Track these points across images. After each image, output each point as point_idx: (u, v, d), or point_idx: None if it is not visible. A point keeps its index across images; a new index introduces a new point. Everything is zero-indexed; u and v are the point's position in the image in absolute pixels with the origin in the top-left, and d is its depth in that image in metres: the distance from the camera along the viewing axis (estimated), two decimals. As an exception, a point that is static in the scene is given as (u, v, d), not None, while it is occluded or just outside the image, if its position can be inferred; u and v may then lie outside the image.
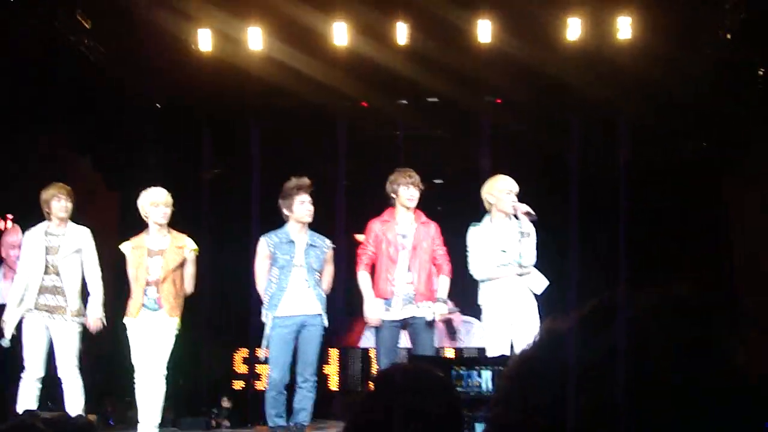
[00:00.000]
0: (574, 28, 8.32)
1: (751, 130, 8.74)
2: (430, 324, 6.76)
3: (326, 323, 6.69)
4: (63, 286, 6.78)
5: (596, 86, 8.53)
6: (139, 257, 6.83)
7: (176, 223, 7.02)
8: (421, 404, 1.98)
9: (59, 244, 6.83)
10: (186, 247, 6.91)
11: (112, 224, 9.08)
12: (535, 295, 6.59)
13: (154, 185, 6.96)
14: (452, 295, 9.73)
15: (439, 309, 6.68)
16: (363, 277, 6.75)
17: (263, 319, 6.67)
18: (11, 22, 7.70)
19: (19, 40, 7.89)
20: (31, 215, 7.18)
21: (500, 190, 6.66)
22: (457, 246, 6.83)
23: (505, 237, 6.62)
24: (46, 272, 6.79)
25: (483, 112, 9.57)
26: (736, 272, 9.28)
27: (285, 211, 6.70)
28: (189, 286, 6.95)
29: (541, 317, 6.55)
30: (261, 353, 6.81)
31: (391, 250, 6.69)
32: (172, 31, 8.40)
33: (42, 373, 6.74)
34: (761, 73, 8.31)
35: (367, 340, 9.96)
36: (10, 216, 9.21)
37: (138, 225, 6.99)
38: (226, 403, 9.58)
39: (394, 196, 6.76)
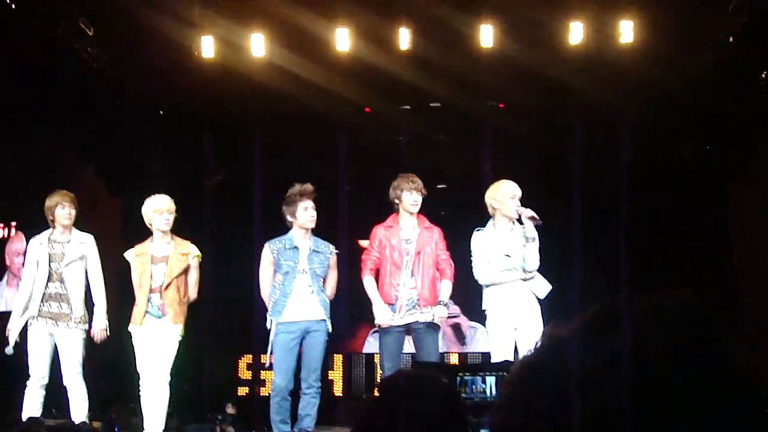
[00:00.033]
0: (576, 32, 8.32)
1: (752, 132, 8.74)
2: (435, 329, 6.76)
3: (330, 329, 6.69)
4: (67, 293, 6.79)
5: (599, 89, 8.54)
6: (142, 264, 6.83)
7: (180, 229, 7.03)
8: (425, 410, 1.98)
9: (63, 251, 6.85)
10: (190, 253, 6.92)
11: (115, 231, 9.10)
12: (539, 299, 6.59)
13: (158, 192, 6.96)
14: (456, 301, 9.77)
15: (439, 312, 6.68)
16: (369, 282, 6.75)
17: (268, 325, 6.67)
18: (14, 29, 7.73)
19: (22, 47, 7.92)
20: (34, 222, 7.19)
21: (504, 195, 6.67)
22: (461, 251, 6.84)
23: (509, 242, 6.63)
24: (50, 280, 6.80)
25: (486, 116, 9.58)
26: (737, 273, 9.27)
27: (288, 218, 6.70)
28: (193, 293, 6.96)
29: (544, 322, 6.54)
30: (266, 359, 6.81)
31: (395, 255, 6.70)
32: (175, 37, 8.41)
33: (46, 380, 6.75)
34: (764, 75, 8.31)
35: (371, 346, 9.95)
36: (13, 223, 9.23)
37: (141, 231, 6.99)
38: (230, 410, 9.57)
39: (397, 201, 6.77)
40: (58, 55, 8.20)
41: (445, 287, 6.77)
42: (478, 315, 8.94)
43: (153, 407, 6.78)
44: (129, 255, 6.92)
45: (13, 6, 7.49)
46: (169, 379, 6.80)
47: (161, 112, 9.84)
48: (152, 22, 8.05)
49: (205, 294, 7.34)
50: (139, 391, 6.85)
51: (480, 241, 6.69)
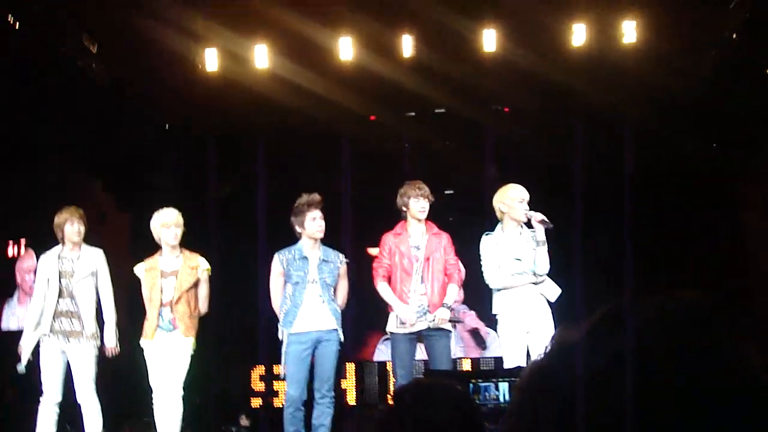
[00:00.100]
0: (579, 34, 8.32)
1: (757, 131, 8.71)
2: (446, 335, 6.75)
3: (342, 338, 6.69)
4: (78, 309, 6.81)
5: (602, 91, 8.52)
6: (152, 279, 6.84)
7: (187, 242, 7.04)
8: (437, 418, 1.98)
9: (73, 267, 6.86)
10: (199, 266, 6.92)
11: (124, 245, 9.11)
12: (549, 302, 6.59)
13: (166, 206, 6.98)
14: (471, 306, 9.76)
15: (440, 314, 6.65)
16: (384, 288, 6.74)
17: (280, 336, 6.67)
18: (18, 48, 7.76)
19: (26, 65, 7.95)
20: (44, 240, 7.21)
21: (512, 199, 6.67)
22: (471, 256, 6.83)
23: (519, 245, 6.62)
24: (60, 296, 6.81)
25: (491, 120, 9.58)
26: (745, 273, 9.24)
27: (297, 228, 6.71)
28: (203, 306, 6.96)
29: (555, 325, 6.53)
30: (280, 370, 6.80)
31: (405, 262, 6.70)
32: (179, 51, 8.44)
33: (60, 397, 6.76)
34: (768, 72, 8.29)
35: (381, 354, 9.93)
36: (23, 241, 9.25)
37: (150, 246, 7.00)
38: (244, 421, 9.57)
39: (405, 208, 6.77)
40: (62, 73, 8.23)
41: (451, 291, 6.76)
42: (488, 320, 8.94)
43: (166, 421, 6.79)
44: (138, 270, 6.93)
45: (17, 26, 7.53)
46: (182, 392, 6.80)
47: (167, 126, 9.87)
48: (155, 36, 8.08)
49: (217, 306, 7.34)
50: (152, 405, 6.85)
51: (489, 245, 6.69)
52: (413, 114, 9.83)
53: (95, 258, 6.92)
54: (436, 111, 9.65)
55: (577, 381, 1.03)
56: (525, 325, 6.49)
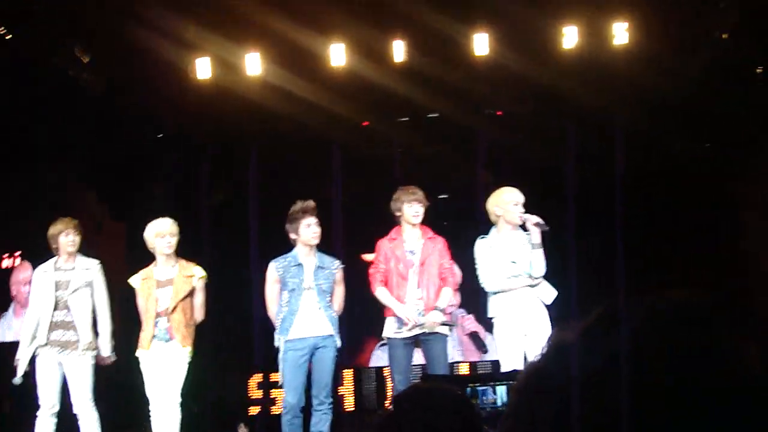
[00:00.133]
0: (570, 37, 8.34)
1: (749, 130, 8.73)
2: (443, 339, 6.75)
3: (339, 344, 6.68)
4: (74, 321, 6.79)
5: (594, 93, 8.53)
6: (148, 289, 6.83)
7: (184, 250, 7.03)
8: (438, 422, 1.98)
9: (69, 278, 6.85)
10: (194, 275, 6.92)
11: (120, 255, 9.09)
12: (545, 305, 6.59)
13: (161, 215, 6.97)
14: (470, 310, 9.76)
15: (432, 317, 6.64)
16: (382, 292, 6.73)
17: (276, 343, 6.67)
18: (8, 59, 7.76)
19: (18, 76, 7.95)
20: (40, 251, 7.19)
21: (507, 202, 6.68)
22: (467, 260, 6.84)
23: (514, 248, 6.63)
24: (56, 308, 6.80)
25: (483, 124, 9.59)
26: (739, 273, 9.25)
27: (292, 235, 6.71)
28: (199, 314, 6.95)
29: (551, 328, 6.53)
30: (279, 378, 6.80)
31: (400, 266, 6.70)
32: (171, 60, 8.44)
33: (57, 409, 6.75)
34: (759, 70, 8.31)
35: (378, 359, 9.93)
36: (17, 253, 9.23)
37: (147, 256, 6.99)
38: (242, 430, 9.54)
39: (398, 213, 6.78)
40: (54, 84, 8.23)
41: (444, 294, 6.75)
42: (484, 323, 8.94)
43: (164, 431, 6.77)
44: (134, 281, 6.92)
45: (8, 37, 7.52)
46: (179, 401, 6.79)
47: (159, 135, 9.86)
48: (148, 45, 8.07)
49: (212, 314, 7.34)
50: (149, 415, 6.84)
51: (484, 248, 6.69)
52: (406, 119, 9.84)
53: (91, 269, 6.91)
54: (429, 116, 9.66)
55: (574, 382, 1.03)
56: (522, 328, 6.49)
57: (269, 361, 7.16)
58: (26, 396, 7.00)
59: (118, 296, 7.24)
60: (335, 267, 6.79)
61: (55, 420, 6.73)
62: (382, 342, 8.43)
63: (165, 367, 6.75)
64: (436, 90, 8.68)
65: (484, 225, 6.83)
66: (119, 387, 8.26)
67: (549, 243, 6.78)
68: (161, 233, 6.84)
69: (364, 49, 8.50)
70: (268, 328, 6.82)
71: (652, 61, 8.32)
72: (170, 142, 9.79)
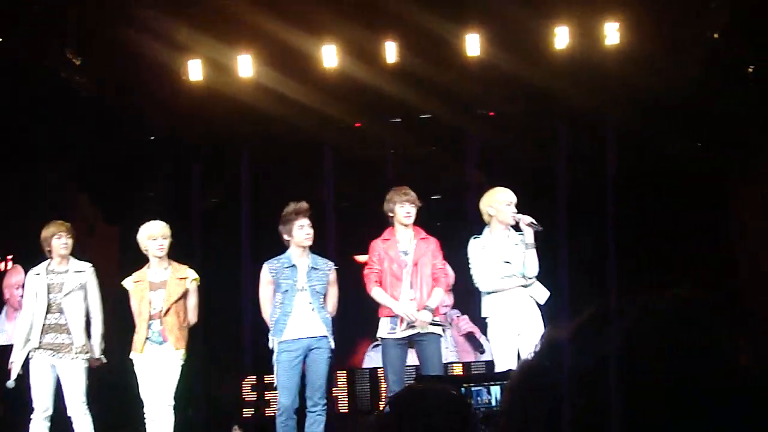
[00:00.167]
0: (561, 37, 8.35)
1: (743, 129, 8.75)
2: (436, 340, 6.75)
3: (333, 345, 6.68)
4: (67, 323, 6.78)
5: (585, 93, 8.55)
6: (141, 291, 6.82)
7: (176, 252, 7.02)
8: (435, 423, 1.99)
9: (62, 281, 6.84)
10: (187, 277, 6.91)
11: (113, 258, 9.08)
12: (539, 305, 6.60)
13: (154, 218, 6.96)
14: (463, 310, 9.77)
15: (422, 316, 6.63)
16: (378, 292, 6.72)
17: (270, 345, 6.66)
18: (1, 61, 7.74)
19: (9, 78, 7.93)
20: (32, 254, 7.18)
21: (500, 202, 6.68)
22: (461, 261, 6.84)
23: (507, 248, 6.63)
24: (49, 311, 6.78)
25: (475, 125, 9.60)
26: (735, 272, 9.28)
27: (285, 237, 6.71)
28: (192, 317, 6.94)
29: (545, 327, 6.54)
30: (274, 379, 6.79)
31: (394, 267, 6.70)
32: (163, 62, 8.43)
33: (51, 412, 6.73)
34: (751, 69, 8.34)
35: (371, 360, 9.93)
36: (9, 257, 9.21)
37: (139, 259, 6.98)
38: (237, 431, 9.54)
39: (391, 214, 6.78)
40: (46, 86, 8.21)
41: (436, 294, 6.75)
42: (478, 324, 8.95)
43: (159, 433, 6.76)
44: (127, 283, 6.91)
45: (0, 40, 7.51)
46: (173, 404, 6.78)
47: (152, 138, 9.84)
48: (140, 47, 8.06)
49: (206, 316, 7.33)
50: (143, 418, 6.83)
51: (477, 248, 6.70)
52: (398, 120, 9.85)
53: (84, 272, 6.89)
54: (421, 117, 9.66)
55: (567, 380, 1.03)
56: (515, 327, 6.50)
57: (263, 362, 7.15)
58: (20, 399, 6.98)
59: (111, 299, 7.23)
60: (328, 268, 6.78)
61: (48, 423, 6.72)
62: (375, 343, 8.44)
63: (159, 370, 6.74)
64: (428, 91, 8.69)
65: (477, 225, 6.83)
66: (113, 389, 8.25)
67: (541, 243, 6.79)
68: (153, 236, 6.83)
69: (355, 50, 8.50)
70: (261, 330, 6.81)
71: (644, 61, 8.34)
72: (162, 145, 9.78)
